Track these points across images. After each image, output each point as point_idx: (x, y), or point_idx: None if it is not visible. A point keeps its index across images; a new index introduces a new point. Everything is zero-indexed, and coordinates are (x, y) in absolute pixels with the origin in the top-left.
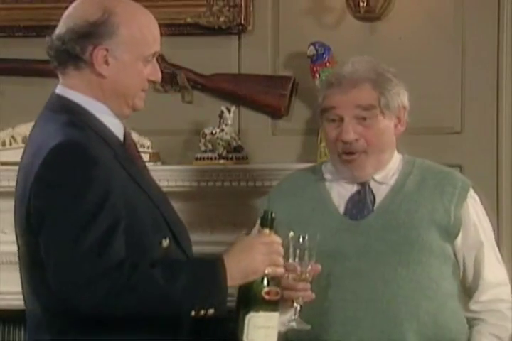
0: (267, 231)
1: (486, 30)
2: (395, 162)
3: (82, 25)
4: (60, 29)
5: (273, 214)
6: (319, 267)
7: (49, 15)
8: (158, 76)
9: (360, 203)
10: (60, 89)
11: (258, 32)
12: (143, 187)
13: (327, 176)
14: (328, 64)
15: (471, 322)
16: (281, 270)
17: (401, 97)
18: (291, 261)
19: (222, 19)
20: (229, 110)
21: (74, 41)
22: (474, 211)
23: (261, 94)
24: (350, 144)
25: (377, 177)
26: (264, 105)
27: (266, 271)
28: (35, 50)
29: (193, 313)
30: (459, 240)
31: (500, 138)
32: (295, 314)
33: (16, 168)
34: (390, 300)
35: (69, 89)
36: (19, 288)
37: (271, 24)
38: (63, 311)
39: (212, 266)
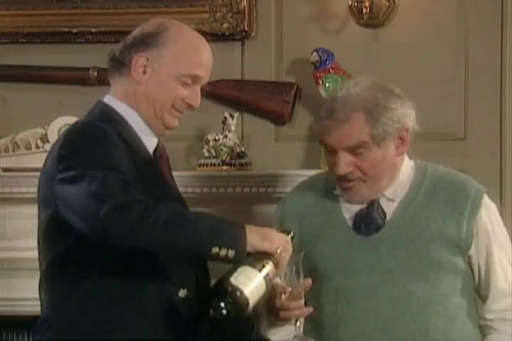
0: None
1: (489, 36)
2: (405, 174)
3: (138, 36)
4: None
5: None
6: (309, 282)
7: (52, 21)
8: (195, 101)
9: (368, 218)
10: (105, 97)
11: (261, 38)
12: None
13: (336, 191)
14: (331, 70)
15: (484, 331)
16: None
17: (402, 121)
18: (279, 281)
19: (225, 25)
20: (232, 116)
21: (124, 48)
22: (488, 220)
23: (264, 101)
24: (344, 176)
25: (387, 193)
26: (268, 111)
27: (278, 250)
28: (39, 56)
29: (215, 250)
30: (472, 251)
31: (504, 144)
32: (296, 330)
33: (19, 174)
34: (398, 317)
35: (111, 96)
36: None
37: (274, 30)
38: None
39: (232, 221)
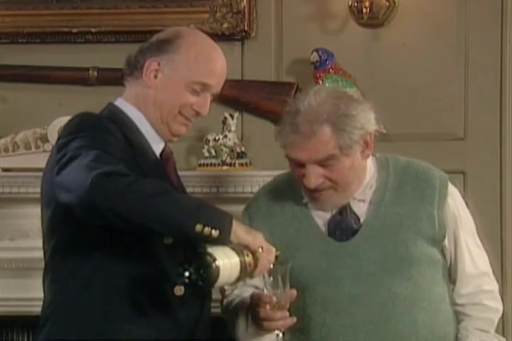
0: None
1: (489, 36)
2: (370, 172)
3: (153, 41)
4: None
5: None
6: (294, 293)
7: (52, 21)
8: (203, 109)
9: (342, 223)
10: (116, 99)
11: (261, 38)
12: None
13: (305, 200)
14: (331, 70)
15: (458, 317)
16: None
17: (366, 127)
18: (265, 291)
19: (225, 25)
20: (232, 116)
21: (139, 53)
22: (454, 206)
23: (264, 101)
24: (315, 187)
25: (356, 195)
26: (268, 111)
27: (260, 249)
28: (39, 56)
29: (199, 227)
30: (446, 241)
31: (504, 144)
32: None
33: (19, 174)
34: (388, 321)
35: (122, 98)
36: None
37: (274, 30)
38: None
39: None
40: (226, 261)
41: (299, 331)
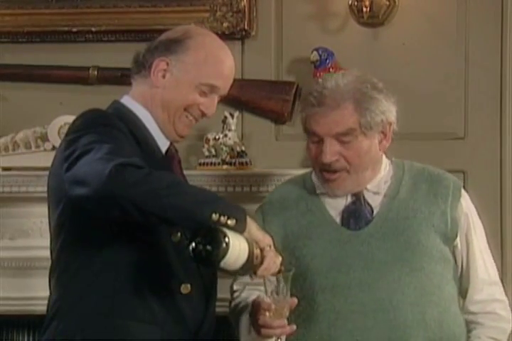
0: None
1: (489, 36)
2: (385, 169)
3: (162, 41)
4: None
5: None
6: (295, 301)
7: (53, 20)
8: (209, 110)
9: (356, 213)
10: (123, 97)
11: (261, 37)
12: None
13: (319, 190)
14: (331, 69)
15: (469, 326)
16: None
17: (386, 114)
18: (265, 298)
19: (225, 25)
20: (232, 115)
21: (147, 52)
22: (468, 209)
23: (264, 100)
24: (329, 165)
25: (370, 187)
26: (268, 110)
27: (267, 247)
28: (39, 55)
29: (215, 216)
30: (457, 241)
31: (504, 143)
32: None
33: (19, 173)
34: (396, 309)
35: (129, 96)
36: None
37: (274, 29)
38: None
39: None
40: (236, 243)
41: (308, 318)
